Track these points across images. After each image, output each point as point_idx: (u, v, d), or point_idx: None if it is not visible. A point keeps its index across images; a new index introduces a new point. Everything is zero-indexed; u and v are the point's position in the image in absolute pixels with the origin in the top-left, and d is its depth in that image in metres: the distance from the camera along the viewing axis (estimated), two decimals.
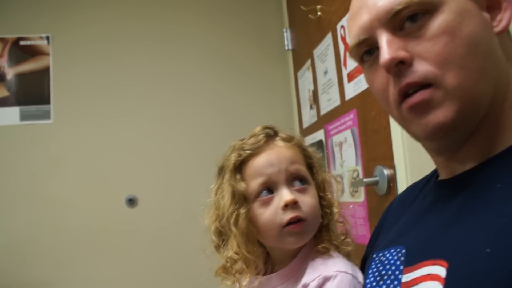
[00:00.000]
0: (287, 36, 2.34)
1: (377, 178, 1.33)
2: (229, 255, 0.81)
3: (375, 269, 0.68)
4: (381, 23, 0.59)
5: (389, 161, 1.28)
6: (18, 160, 2.15)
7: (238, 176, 0.82)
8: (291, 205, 0.77)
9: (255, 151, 0.82)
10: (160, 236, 2.14)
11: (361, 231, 1.47)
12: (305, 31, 2.07)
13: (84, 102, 2.22)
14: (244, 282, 0.82)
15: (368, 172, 1.43)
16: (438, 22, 0.56)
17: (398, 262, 0.62)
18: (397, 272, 0.61)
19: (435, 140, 0.61)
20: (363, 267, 0.77)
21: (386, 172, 1.29)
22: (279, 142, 0.84)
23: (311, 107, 2.02)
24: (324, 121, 1.82)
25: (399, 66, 0.57)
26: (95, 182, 2.17)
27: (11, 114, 2.18)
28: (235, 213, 0.81)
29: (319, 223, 0.81)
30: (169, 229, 2.10)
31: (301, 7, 1.94)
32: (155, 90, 2.28)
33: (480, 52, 0.56)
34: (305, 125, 2.11)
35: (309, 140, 1.99)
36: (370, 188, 1.40)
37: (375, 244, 0.78)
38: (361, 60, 0.66)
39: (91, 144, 2.19)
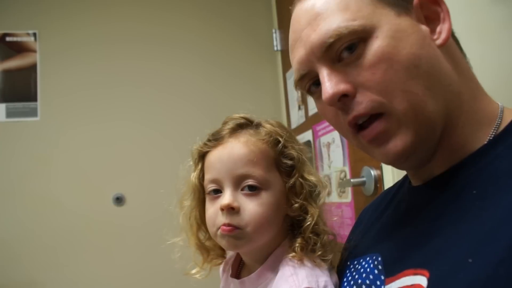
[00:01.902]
0: (276, 36, 2.35)
1: (364, 179, 1.34)
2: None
3: (350, 277, 0.68)
4: (317, 57, 0.58)
5: (376, 162, 1.29)
6: (3, 158, 2.12)
7: (199, 166, 0.80)
8: (228, 209, 0.72)
9: (215, 143, 0.77)
10: (148, 234, 2.12)
11: (348, 231, 1.48)
12: None
13: (72, 100, 2.20)
14: (193, 271, 0.83)
15: (355, 173, 1.45)
16: (373, 49, 0.55)
17: (375, 271, 0.62)
18: (378, 282, 0.60)
19: (399, 165, 0.61)
20: (338, 273, 0.76)
21: (373, 172, 1.30)
22: (242, 136, 0.76)
23: (299, 108, 2.03)
24: (312, 121, 1.84)
25: (343, 100, 0.56)
26: (82, 181, 2.15)
27: None
28: (185, 203, 0.82)
29: (267, 233, 0.74)
30: (157, 227, 2.09)
31: (290, 8, 1.95)
32: (143, 90, 2.27)
33: (422, 73, 0.55)
34: (293, 125, 2.12)
35: None
36: (357, 189, 1.42)
37: (347, 250, 0.77)
38: (309, 91, 0.65)
39: (79, 142, 2.17)
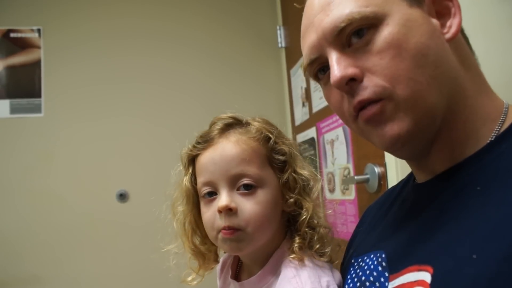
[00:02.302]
0: (280, 33, 2.35)
1: (368, 176, 1.34)
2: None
3: (354, 275, 0.68)
4: (328, 41, 0.59)
5: (380, 159, 1.29)
6: (7, 154, 2.13)
7: (190, 170, 0.79)
8: (226, 211, 0.70)
9: (205, 145, 0.76)
10: (151, 231, 2.13)
11: (352, 228, 1.48)
12: (298, 29, 2.05)
13: (76, 96, 2.20)
14: (189, 278, 0.83)
15: (359, 170, 1.45)
16: (383, 35, 0.56)
17: (379, 268, 0.62)
18: (382, 279, 0.60)
19: (395, 151, 0.61)
20: (342, 271, 0.76)
21: (377, 169, 1.30)
22: (232, 136, 0.75)
23: (303, 105, 2.03)
24: (316, 118, 1.83)
25: (350, 84, 0.57)
26: (86, 177, 2.16)
27: (1, 107, 2.15)
28: (179, 209, 0.81)
29: (267, 231, 0.74)
30: (161, 224, 2.09)
31: (295, 4, 1.94)
32: (147, 87, 2.27)
33: (429, 63, 0.55)
34: (297, 122, 2.11)
35: (301, 137, 2.00)
36: (361, 186, 1.41)
37: (351, 248, 0.77)
38: (316, 78, 0.66)
39: (83, 138, 2.18)
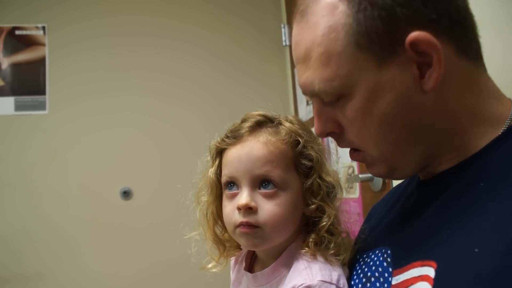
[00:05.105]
0: (284, 32, 2.34)
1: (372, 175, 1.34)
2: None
3: (359, 271, 0.68)
4: (310, 95, 0.63)
5: None
6: (12, 151, 2.14)
7: (217, 162, 0.79)
8: (246, 209, 0.71)
9: (234, 141, 0.76)
10: (154, 228, 2.14)
11: (355, 227, 1.48)
12: None
13: (80, 93, 2.21)
14: (209, 265, 0.83)
15: (363, 168, 1.44)
16: (350, 107, 0.59)
17: (384, 264, 0.62)
18: (386, 274, 0.61)
19: (390, 179, 0.66)
20: (348, 268, 0.76)
21: None
22: (261, 136, 0.75)
23: (307, 103, 2.02)
24: None
25: (330, 134, 0.64)
26: (90, 174, 2.16)
27: (6, 104, 2.16)
28: (202, 198, 0.82)
29: (284, 233, 0.74)
30: (164, 221, 2.10)
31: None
32: (151, 84, 2.27)
33: (395, 128, 0.58)
34: None
35: None
36: (365, 184, 1.41)
37: (357, 244, 0.77)
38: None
39: (87, 136, 2.19)
